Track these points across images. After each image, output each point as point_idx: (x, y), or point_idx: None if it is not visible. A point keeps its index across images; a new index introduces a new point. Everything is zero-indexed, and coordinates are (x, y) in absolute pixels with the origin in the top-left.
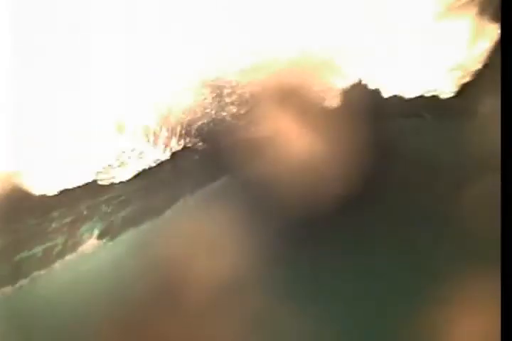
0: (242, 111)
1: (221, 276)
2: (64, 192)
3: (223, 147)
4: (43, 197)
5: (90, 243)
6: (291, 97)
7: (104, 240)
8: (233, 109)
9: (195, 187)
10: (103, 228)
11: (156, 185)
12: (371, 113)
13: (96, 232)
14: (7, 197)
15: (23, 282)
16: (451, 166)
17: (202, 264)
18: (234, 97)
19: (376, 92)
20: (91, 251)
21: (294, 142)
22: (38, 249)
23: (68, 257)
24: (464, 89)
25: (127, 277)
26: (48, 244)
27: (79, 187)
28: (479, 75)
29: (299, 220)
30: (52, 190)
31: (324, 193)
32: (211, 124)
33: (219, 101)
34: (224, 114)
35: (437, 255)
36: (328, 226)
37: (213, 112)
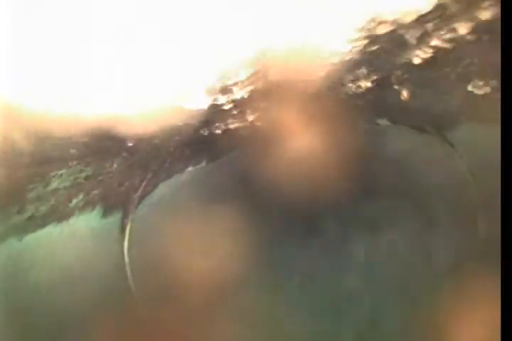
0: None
1: (218, 277)
2: None
3: (219, 138)
4: None
5: None
6: (290, 92)
7: None
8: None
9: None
10: None
11: None
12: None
13: None
14: None
15: None
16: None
17: (200, 264)
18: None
19: None
20: None
21: (294, 138)
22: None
23: None
24: None
25: None
26: None
27: None
28: None
29: (299, 219)
30: None
31: (324, 192)
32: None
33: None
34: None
35: (436, 254)
36: (328, 225)
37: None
